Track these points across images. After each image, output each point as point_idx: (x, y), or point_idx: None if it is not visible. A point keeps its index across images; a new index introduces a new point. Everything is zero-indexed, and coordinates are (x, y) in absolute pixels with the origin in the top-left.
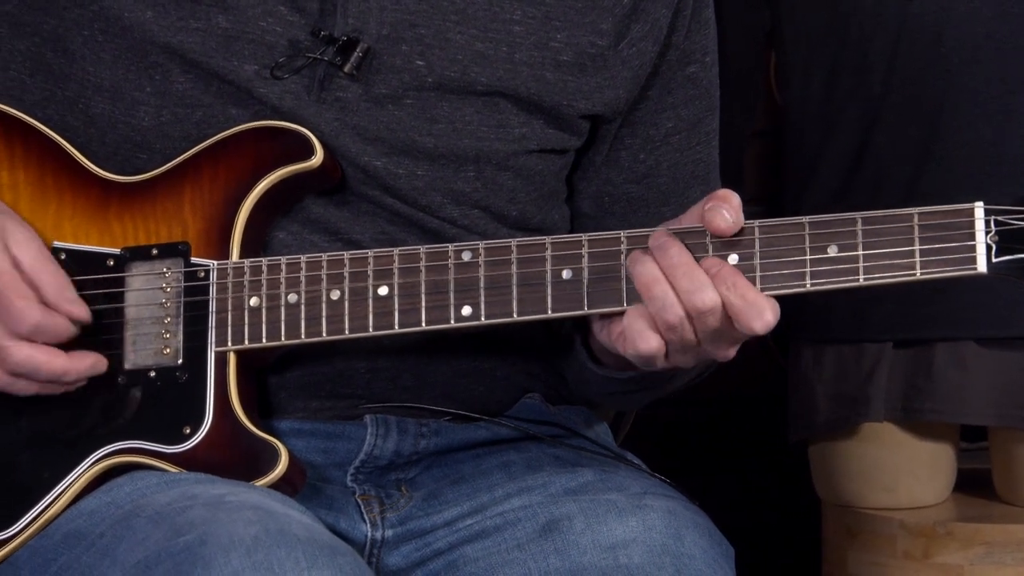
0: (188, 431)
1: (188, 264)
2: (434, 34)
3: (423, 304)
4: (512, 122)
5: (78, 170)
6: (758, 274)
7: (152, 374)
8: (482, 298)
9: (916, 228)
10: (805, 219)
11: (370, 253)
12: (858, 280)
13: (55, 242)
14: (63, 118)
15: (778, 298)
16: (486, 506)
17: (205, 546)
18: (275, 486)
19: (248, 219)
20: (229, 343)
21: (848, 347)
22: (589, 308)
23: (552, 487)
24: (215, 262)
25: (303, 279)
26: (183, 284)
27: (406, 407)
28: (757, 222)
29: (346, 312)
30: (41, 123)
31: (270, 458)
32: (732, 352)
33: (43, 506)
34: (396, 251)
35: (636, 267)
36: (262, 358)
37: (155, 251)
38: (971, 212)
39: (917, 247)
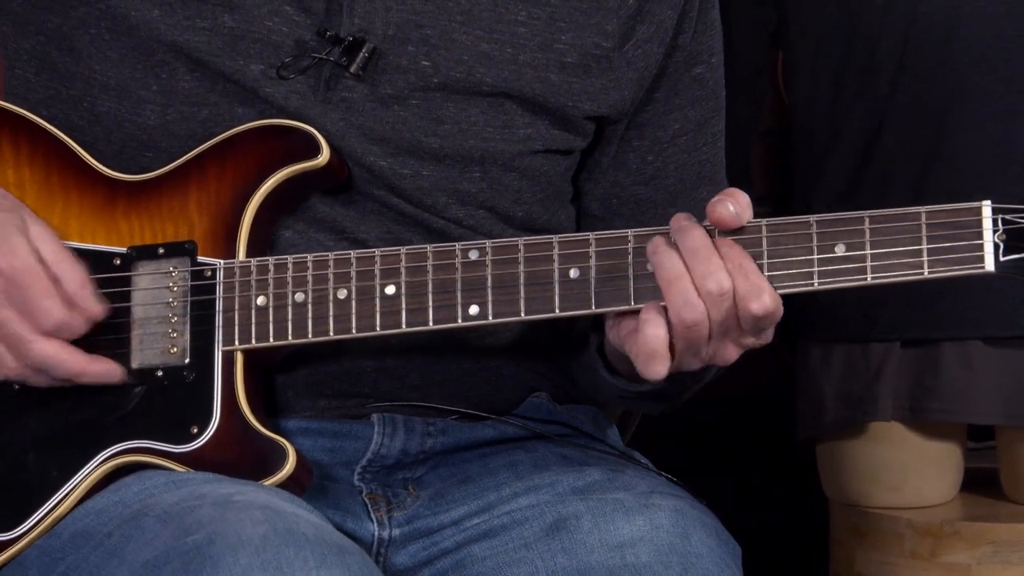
0: (195, 430)
1: (195, 263)
2: (440, 35)
3: (430, 303)
4: (517, 123)
5: (84, 169)
6: (766, 273)
7: (159, 373)
8: (489, 297)
9: (924, 227)
10: (812, 218)
11: (377, 252)
12: (866, 279)
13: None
14: (68, 117)
15: (786, 297)
16: (493, 505)
17: (213, 545)
18: (283, 485)
19: (255, 218)
20: (236, 342)
21: (856, 346)
22: (596, 307)
23: (559, 486)
24: (222, 261)
25: (310, 278)
26: (190, 283)
27: (413, 406)
28: (765, 221)
29: (353, 311)
30: (47, 122)
31: (278, 457)
32: (735, 355)
33: (51, 505)
34: (403, 250)
35: (661, 258)
36: (269, 357)
37: (162, 250)
38: (979, 211)
39: (925, 246)
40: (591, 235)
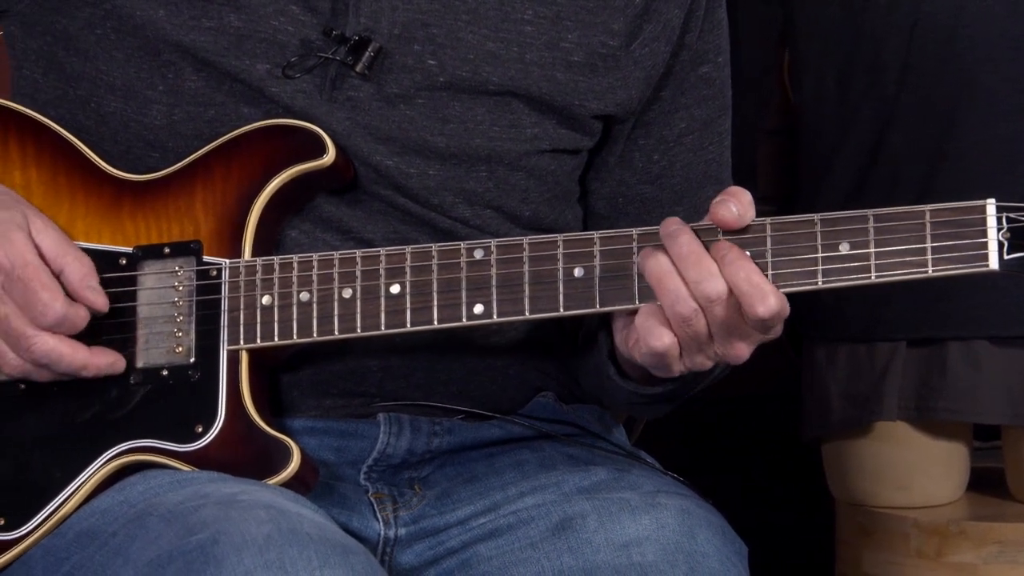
0: (200, 430)
1: (200, 263)
2: (446, 34)
3: (435, 302)
4: (524, 122)
5: (90, 169)
6: (770, 271)
7: (164, 373)
8: (494, 296)
9: (928, 225)
10: (817, 216)
11: (382, 251)
12: (870, 277)
13: None
14: (75, 117)
15: (790, 296)
16: (499, 505)
17: (217, 545)
18: (288, 484)
19: (260, 218)
20: (241, 342)
21: (861, 346)
22: (601, 306)
23: (565, 486)
24: (227, 261)
25: (315, 278)
26: (195, 283)
27: (419, 405)
28: (769, 219)
29: (358, 311)
30: (54, 122)
31: (282, 456)
32: (746, 352)
33: (56, 505)
34: (408, 249)
35: (647, 262)
36: (274, 357)
37: (167, 250)
38: (983, 209)
39: (929, 244)
40: (595, 234)
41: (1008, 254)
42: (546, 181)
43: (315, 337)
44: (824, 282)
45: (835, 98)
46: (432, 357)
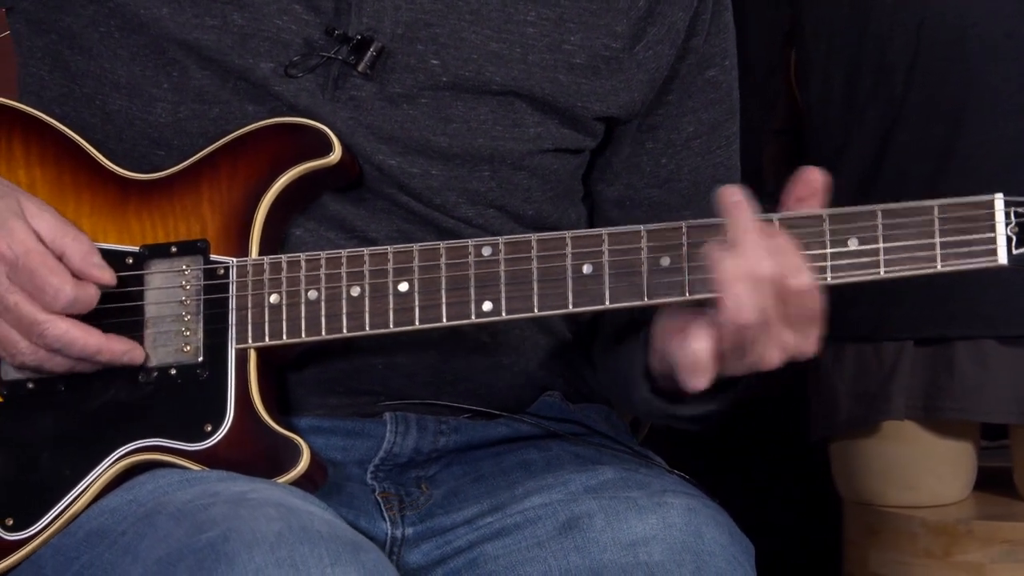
0: (209, 429)
1: (207, 261)
2: (449, 33)
3: (443, 300)
4: (527, 122)
5: (96, 168)
6: None
7: (173, 372)
8: (503, 293)
9: (936, 220)
10: (825, 212)
11: (390, 249)
12: (879, 273)
13: None
14: (80, 114)
15: None
16: (506, 504)
17: (228, 543)
18: (297, 483)
19: (267, 216)
20: (249, 340)
21: (869, 345)
22: (610, 303)
23: (572, 485)
24: (234, 259)
25: (323, 276)
26: (203, 282)
27: (425, 404)
28: (777, 216)
29: (366, 309)
30: (58, 120)
31: (292, 455)
32: (777, 357)
33: (65, 504)
34: (416, 247)
35: (713, 261)
36: (282, 355)
37: (174, 249)
38: (991, 204)
39: (937, 239)
40: (604, 231)
41: (1017, 248)
42: (549, 180)
43: (324, 335)
44: (833, 278)
45: (842, 98)
46: (438, 356)
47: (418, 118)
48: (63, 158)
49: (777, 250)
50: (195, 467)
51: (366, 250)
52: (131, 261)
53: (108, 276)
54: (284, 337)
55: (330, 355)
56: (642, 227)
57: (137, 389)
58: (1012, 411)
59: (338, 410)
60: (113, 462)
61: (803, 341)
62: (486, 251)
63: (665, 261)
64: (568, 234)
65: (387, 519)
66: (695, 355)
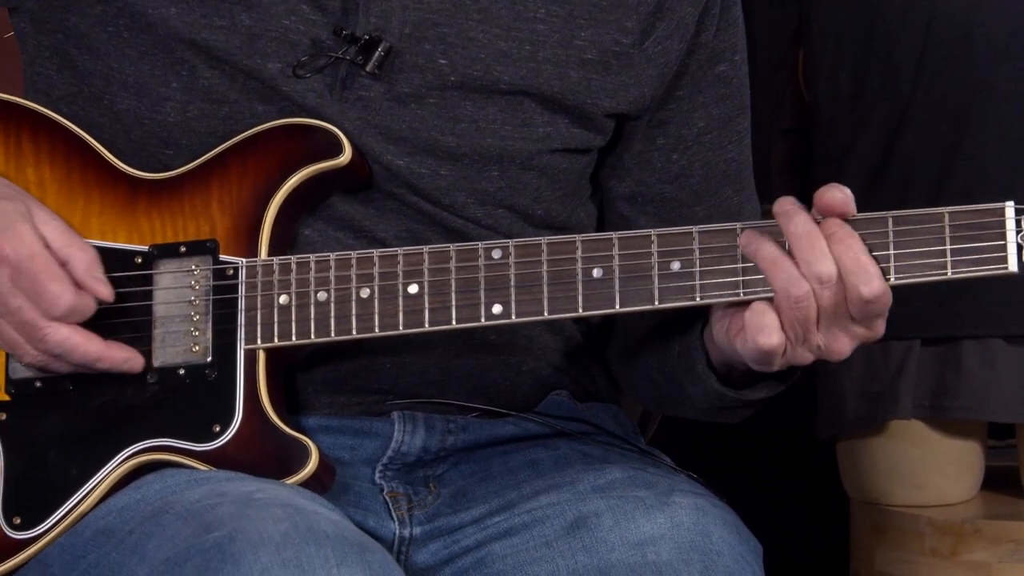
0: (218, 429)
1: (217, 262)
2: (456, 33)
3: (453, 302)
4: (536, 121)
5: (105, 167)
6: None
7: (181, 372)
8: (512, 296)
9: (947, 227)
10: (836, 218)
11: (400, 251)
12: (889, 279)
13: None
14: (89, 114)
15: None
16: (514, 503)
17: (234, 543)
18: (305, 484)
19: (276, 216)
20: (259, 341)
21: (876, 345)
22: (621, 307)
23: (580, 484)
24: (244, 260)
25: (332, 277)
26: (212, 282)
27: (433, 403)
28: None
29: (376, 310)
30: (68, 119)
31: (300, 456)
32: (847, 348)
33: (73, 503)
34: (426, 249)
35: (759, 248)
36: (291, 356)
37: (183, 248)
38: (1001, 211)
39: (948, 247)
40: (614, 235)
41: None
42: (558, 180)
43: (333, 337)
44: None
45: (849, 97)
46: (446, 355)
47: (426, 118)
48: (72, 157)
49: (795, 237)
50: (203, 467)
51: (376, 252)
52: (140, 261)
53: (107, 292)
54: (293, 338)
55: (339, 354)
56: (652, 231)
57: (145, 389)
58: (1019, 411)
59: (346, 409)
60: (121, 462)
61: (867, 331)
62: (496, 254)
63: (675, 265)
64: (578, 238)
65: (395, 518)
66: (767, 349)
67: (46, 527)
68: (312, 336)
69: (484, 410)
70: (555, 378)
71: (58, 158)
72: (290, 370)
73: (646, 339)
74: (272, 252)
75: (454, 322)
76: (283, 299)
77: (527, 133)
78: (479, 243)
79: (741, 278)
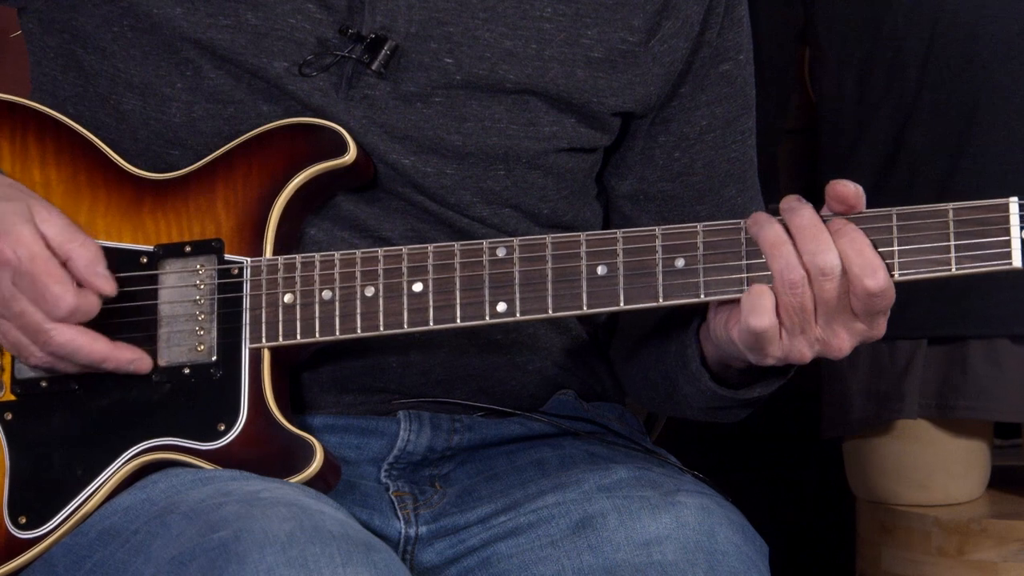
0: (223, 428)
1: (222, 261)
2: (462, 32)
3: (458, 300)
4: (542, 120)
5: (110, 167)
6: None
7: (186, 371)
8: (517, 294)
9: (951, 224)
10: (840, 215)
11: (404, 250)
12: (893, 275)
13: None
14: (95, 114)
15: None
16: (520, 503)
17: (239, 542)
18: (310, 483)
19: (281, 216)
20: (263, 340)
21: (883, 344)
22: (625, 304)
23: (586, 484)
24: (249, 259)
25: (337, 276)
26: (217, 281)
27: (439, 402)
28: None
29: (381, 309)
30: (73, 119)
31: (305, 455)
32: (847, 345)
33: (78, 503)
34: (430, 248)
35: (762, 230)
36: (296, 355)
37: (188, 248)
38: (1006, 207)
39: (952, 242)
40: (618, 232)
41: None
42: (564, 179)
43: (337, 335)
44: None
45: (855, 96)
46: (452, 354)
47: (432, 117)
48: (78, 157)
49: (799, 229)
50: (208, 466)
51: (380, 250)
52: (145, 260)
53: (110, 287)
54: (298, 337)
55: (344, 353)
56: (657, 228)
57: (150, 388)
58: None
59: (352, 408)
60: (126, 461)
61: (868, 329)
62: (501, 252)
63: (680, 263)
64: (583, 235)
65: (401, 518)
66: (758, 329)
67: (51, 527)
68: (317, 335)
69: (490, 409)
70: (561, 377)
71: (64, 159)
72: (296, 369)
73: (644, 339)
74: (277, 251)
75: (459, 320)
76: (288, 298)
77: (533, 132)
78: (483, 241)
79: (745, 275)
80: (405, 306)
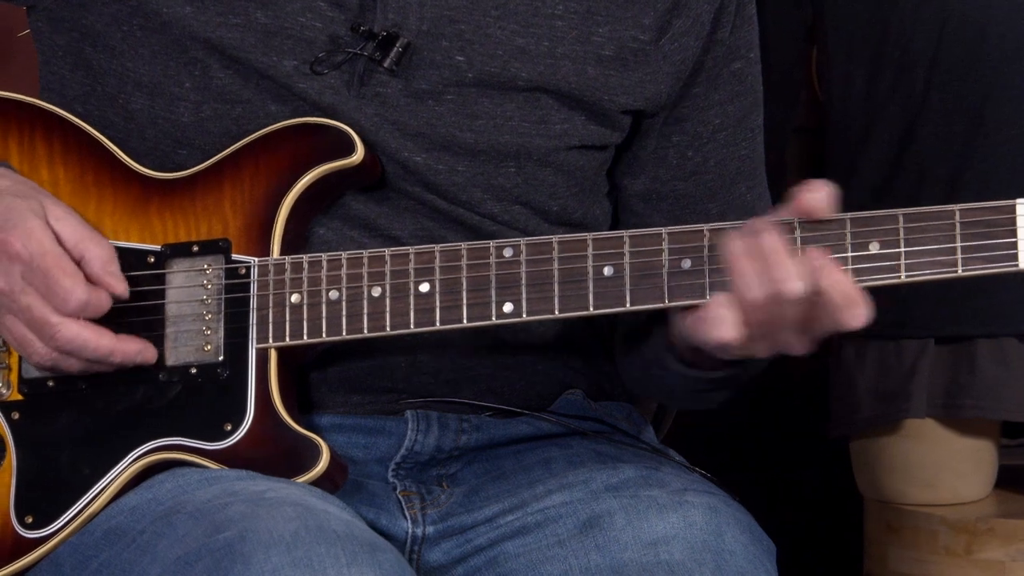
0: (229, 428)
1: (229, 261)
2: (474, 29)
3: (464, 301)
4: (553, 118)
5: (118, 167)
6: None
7: (193, 371)
8: (523, 295)
9: (957, 225)
10: (847, 216)
11: (411, 250)
12: (899, 277)
13: None
14: (103, 113)
15: None
16: (527, 502)
17: (245, 543)
18: (317, 483)
19: (289, 216)
20: (270, 340)
21: (890, 343)
22: (631, 305)
23: (593, 483)
24: (256, 259)
25: (344, 276)
26: (224, 281)
27: (447, 402)
28: (798, 219)
29: (387, 309)
30: (81, 118)
31: (312, 455)
32: (807, 347)
33: (84, 503)
34: (437, 248)
35: (729, 245)
36: (303, 355)
37: (196, 248)
38: (1012, 209)
39: (959, 244)
40: (625, 233)
41: None
42: (574, 176)
43: (344, 335)
44: (854, 281)
45: (863, 95)
46: (459, 353)
47: (444, 115)
48: (86, 157)
49: (763, 255)
50: (215, 466)
51: (387, 250)
52: (153, 260)
53: (122, 288)
54: (305, 337)
55: (352, 353)
56: (663, 229)
57: (157, 388)
58: None
59: (359, 408)
60: (132, 461)
61: (834, 325)
62: (507, 252)
63: (686, 263)
64: (589, 236)
65: (408, 517)
66: (723, 342)
67: (58, 526)
68: (324, 335)
69: (498, 409)
70: (569, 377)
71: (72, 158)
72: (304, 369)
73: (634, 333)
74: (285, 251)
75: (465, 321)
76: (295, 298)
77: (544, 130)
78: (490, 242)
79: None
80: (412, 306)
